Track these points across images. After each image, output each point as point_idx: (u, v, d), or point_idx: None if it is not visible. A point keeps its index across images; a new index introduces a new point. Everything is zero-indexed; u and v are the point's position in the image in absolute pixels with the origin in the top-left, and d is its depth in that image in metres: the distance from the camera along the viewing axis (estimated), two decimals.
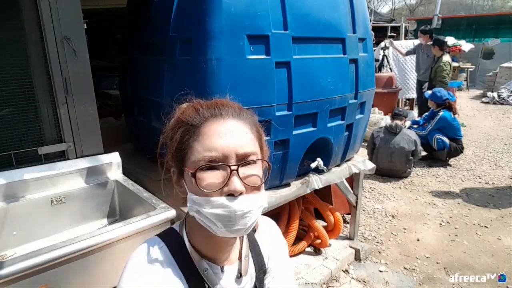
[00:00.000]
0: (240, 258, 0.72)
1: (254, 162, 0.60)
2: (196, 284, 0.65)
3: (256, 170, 0.61)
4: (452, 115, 4.33)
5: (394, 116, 4.27)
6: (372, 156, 4.07)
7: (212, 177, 0.58)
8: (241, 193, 0.57)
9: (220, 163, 0.57)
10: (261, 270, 0.75)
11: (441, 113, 4.29)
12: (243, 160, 0.59)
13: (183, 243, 0.67)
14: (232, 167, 0.57)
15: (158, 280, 0.62)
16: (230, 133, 0.59)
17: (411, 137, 3.98)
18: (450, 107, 4.36)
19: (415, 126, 4.70)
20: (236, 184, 0.57)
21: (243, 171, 0.58)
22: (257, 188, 0.61)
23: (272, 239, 0.81)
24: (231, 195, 0.57)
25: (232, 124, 0.61)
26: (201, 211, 0.59)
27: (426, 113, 4.73)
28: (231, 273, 0.69)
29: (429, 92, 4.54)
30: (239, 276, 0.70)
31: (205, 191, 0.57)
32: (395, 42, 6.88)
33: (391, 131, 4.00)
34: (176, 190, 0.68)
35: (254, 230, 0.78)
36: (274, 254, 0.79)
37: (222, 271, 0.68)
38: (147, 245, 0.67)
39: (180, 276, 0.64)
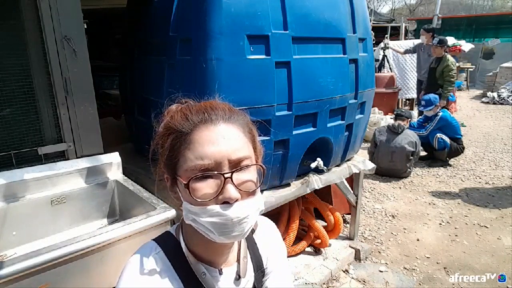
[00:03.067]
0: (238, 260, 0.71)
1: (248, 166, 0.59)
2: None
3: (250, 175, 0.59)
4: (451, 114, 4.36)
5: (397, 117, 4.31)
6: (373, 155, 4.08)
7: (206, 187, 0.56)
8: (236, 200, 0.56)
9: (213, 171, 0.56)
10: (259, 271, 0.74)
11: (440, 113, 4.30)
12: (237, 166, 0.57)
13: (179, 248, 0.66)
14: (226, 175, 0.56)
15: None
16: (222, 139, 0.57)
17: (412, 137, 4.00)
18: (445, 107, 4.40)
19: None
20: (231, 192, 0.55)
21: (237, 177, 0.57)
22: (253, 193, 0.60)
23: (271, 240, 0.80)
24: (227, 202, 0.56)
25: (223, 128, 0.59)
26: (197, 219, 0.58)
27: (420, 117, 4.75)
28: (230, 275, 0.69)
29: (422, 103, 4.49)
30: (238, 277, 0.69)
31: (199, 201, 0.56)
32: (391, 42, 6.90)
33: (393, 130, 4.02)
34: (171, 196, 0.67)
35: (252, 231, 0.77)
36: (273, 255, 0.78)
37: (221, 273, 0.67)
38: (143, 251, 0.66)
39: (178, 282, 0.63)
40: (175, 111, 0.64)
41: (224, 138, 0.58)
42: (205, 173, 0.56)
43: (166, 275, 0.63)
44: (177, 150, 0.59)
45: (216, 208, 0.56)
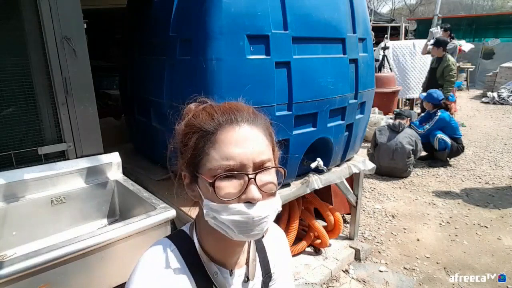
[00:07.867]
0: (247, 263, 0.72)
1: (270, 168, 0.61)
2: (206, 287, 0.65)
3: (271, 177, 0.61)
4: (450, 115, 4.36)
5: (397, 116, 4.33)
6: (373, 154, 4.09)
7: (230, 186, 0.58)
8: (258, 200, 0.58)
9: (238, 172, 0.58)
10: (267, 275, 0.75)
11: (439, 114, 4.30)
12: (260, 167, 0.59)
13: (193, 246, 0.67)
14: (250, 176, 0.57)
15: (168, 284, 0.62)
16: (247, 141, 0.59)
17: (412, 136, 4.02)
18: (446, 107, 4.38)
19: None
20: (254, 192, 0.57)
21: (260, 178, 0.59)
22: (273, 194, 0.61)
23: (279, 245, 0.82)
24: (249, 202, 0.58)
25: (248, 130, 0.60)
26: (218, 217, 0.59)
27: (422, 114, 4.75)
28: (239, 277, 0.70)
29: (424, 94, 4.55)
30: (246, 280, 0.70)
31: (224, 200, 0.58)
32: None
33: (394, 129, 4.03)
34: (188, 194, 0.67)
35: (262, 235, 0.79)
36: (280, 260, 0.79)
37: (231, 274, 0.68)
38: (158, 247, 0.67)
39: (190, 279, 0.64)
40: (198, 110, 0.65)
41: (249, 140, 0.59)
42: (230, 173, 0.58)
43: (180, 272, 0.64)
44: (202, 149, 0.60)
45: (238, 206, 0.57)
